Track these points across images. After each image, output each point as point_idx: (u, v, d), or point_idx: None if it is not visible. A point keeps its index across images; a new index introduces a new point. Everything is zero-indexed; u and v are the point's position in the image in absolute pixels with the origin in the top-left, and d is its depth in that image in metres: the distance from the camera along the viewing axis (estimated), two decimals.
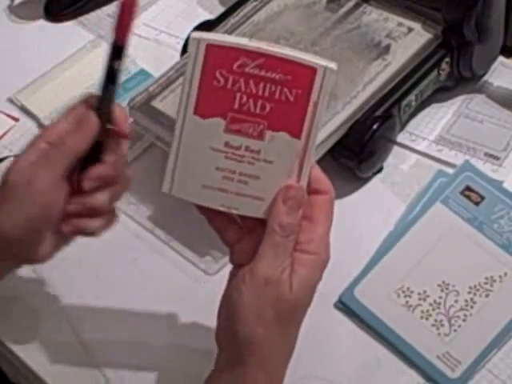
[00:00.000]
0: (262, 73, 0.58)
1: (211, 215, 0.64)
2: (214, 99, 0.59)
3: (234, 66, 0.58)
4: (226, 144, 0.60)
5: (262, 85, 0.58)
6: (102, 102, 0.62)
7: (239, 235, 0.64)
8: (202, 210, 0.63)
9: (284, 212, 0.60)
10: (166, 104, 0.82)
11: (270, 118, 0.59)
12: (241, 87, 0.59)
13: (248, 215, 0.62)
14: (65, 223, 0.63)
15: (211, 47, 0.58)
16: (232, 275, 0.64)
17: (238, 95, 0.59)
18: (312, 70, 0.58)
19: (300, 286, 0.60)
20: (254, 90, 0.59)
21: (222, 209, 0.62)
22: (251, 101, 0.59)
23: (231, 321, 0.60)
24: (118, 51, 0.60)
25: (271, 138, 0.60)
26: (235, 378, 0.61)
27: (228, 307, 0.61)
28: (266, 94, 0.59)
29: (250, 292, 0.59)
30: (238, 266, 0.63)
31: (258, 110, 0.59)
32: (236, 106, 0.59)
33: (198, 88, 0.59)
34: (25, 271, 0.81)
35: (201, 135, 0.60)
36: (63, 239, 0.66)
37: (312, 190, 0.62)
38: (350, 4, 0.90)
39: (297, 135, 0.59)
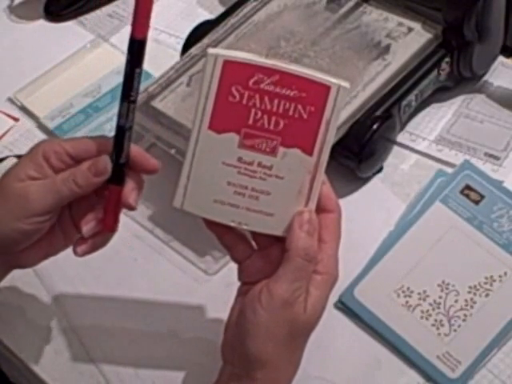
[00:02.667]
0: (277, 89, 0.59)
1: (221, 232, 0.64)
2: (229, 115, 0.60)
3: (250, 82, 0.59)
4: (239, 159, 0.60)
5: (276, 101, 0.59)
6: (118, 138, 0.62)
7: (249, 252, 0.64)
8: (211, 226, 0.63)
9: (303, 237, 0.60)
10: (166, 104, 0.82)
11: (284, 134, 0.60)
12: (256, 103, 0.59)
13: (258, 231, 0.63)
14: (79, 245, 0.65)
15: (228, 63, 0.59)
16: (241, 292, 0.64)
17: (253, 111, 0.59)
18: (326, 88, 0.59)
19: (313, 307, 0.61)
20: (268, 107, 0.59)
21: (232, 224, 0.62)
22: (265, 117, 0.59)
23: (242, 337, 0.61)
24: (138, 48, 0.60)
25: (284, 155, 0.60)
26: None
27: (240, 324, 0.62)
28: (280, 110, 0.59)
29: (266, 312, 0.60)
30: (246, 283, 0.64)
31: (271, 126, 0.60)
32: (250, 121, 0.60)
33: (214, 103, 0.60)
34: (24, 271, 0.81)
35: (214, 150, 0.60)
36: (52, 250, 0.67)
37: (320, 207, 0.62)
38: (350, 4, 0.90)
39: (309, 152, 0.60)
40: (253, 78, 0.59)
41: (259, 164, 0.60)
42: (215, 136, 0.60)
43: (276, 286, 0.60)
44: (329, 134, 0.60)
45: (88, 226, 0.64)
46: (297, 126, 0.60)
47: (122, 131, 0.62)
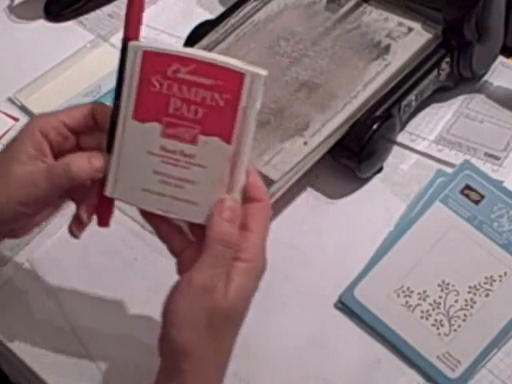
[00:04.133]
0: (194, 78, 0.60)
1: (156, 222, 0.65)
2: (151, 104, 0.61)
3: (169, 72, 0.60)
4: (163, 148, 0.61)
5: (194, 90, 0.60)
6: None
7: (184, 244, 0.65)
8: (147, 216, 0.64)
9: (222, 223, 0.60)
10: None
11: (203, 122, 0.60)
12: (175, 92, 0.60)
13: (183, 219, 0.63)
14: (77, 227, 0.66)
15: (147, 54, 0.60)
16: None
17: (173, 100, 0.60)
18: (240, 76, 0.59)
19: (235, 294, 0.60)
20: (187, 95, 0.60)
21: (159, 212, 0.63)
22: (185, 106, 0.60)
23: (167, 327, 0.61)
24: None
25: (204, 143, 0.61)
26: (170, 380, 0.61)
27: (164, 314, 0.61)
28: (199, 99, 0.60)
29: (186, 299, 0.60)
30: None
31: (191, 115, 0.60)
32: (171, 110, 0.61)
33: (136, 93, 0.61)
34: (25, 271, 0.81)
35: (139, 139, 0.62)
36: (42, 221, 0.69)
37: (248, 198, 0.62)
38: (350, 4, 0.90)
39: (228, 140, 0.60)
40: (171, 68, 0.60)
41: (182, 153, 0.61)
42: (139, 125, 0.61)
43: (194, 273, 0.60)
44: (247, 123, 0.60)
45: (88, 213, 0.66)
46: (215, 115, 0.60)
47: (114, 127, 0.63)
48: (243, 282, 0.60)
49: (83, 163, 0.63)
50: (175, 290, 0.61)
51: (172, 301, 0.61)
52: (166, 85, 0.60)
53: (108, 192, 0.63)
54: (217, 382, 0.62)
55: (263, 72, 0.59)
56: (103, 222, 0.66)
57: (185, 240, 0.65)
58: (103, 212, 0.66)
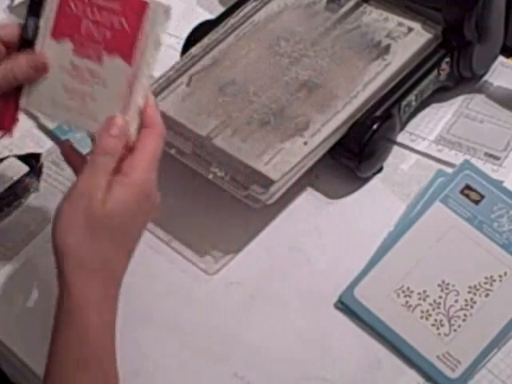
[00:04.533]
0: (105, 3, 0.67)
1: (65, 149, 0.71)
2: (67, 24, 0.68)
3: None
4: (73, 65, 0.68)
5: (104, 13, 0.67)
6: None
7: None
8: (59, 143, 0.71)
9: (105, 136, 0.65)
10: (166, 104, 0.83)
11: (109, 44, 0.67)
12: (87, 14, 0.67)
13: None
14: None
15: None
16: None
17: (85, 22, 0.68)
18: (144, 4, 0.66)
19: (113, 203, 0.63)
20: (98, 18, 0.67)
21: (65, 126, 0.70)
22: (95, 27, 0.67)
23: (52, 234, 0.64)
24: None
25: (108, 63, 0.67)
26: (62, 297, 0.64)
27: (52, 224, 0.64)
28: (107, 22, 0.67)
29: (66, 202, 0.64)
30: None
31: (99, 37, 0.67)
32: (83, 31, 0.68)
33: (56, 14, 0.68)
34: (25, 271, 0.81)
35: (55, 56, 0.69)
36: None
37: (142, 125, 0.66)
38: (350, 4, 0.90)
39: (129, 62, 0.66)
40: None
41: (88, 70, 0.68)
42: (55, 44, 0.69)
43: (77, 180, 0.65)
44: (148, 48, 0.66)
45: None
46: (120, 37, 0.66)
47: (31, 44, 0.69)
48: (123, 193, 0.63)
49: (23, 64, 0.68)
50: (62, 198, 0.64)
51: (57, 208, 0.64)
52: (80, 7, 0.67)
53: (22, 105, 0.70)
54: (99, 291, 0.64)
55: (166, 5, 0.66)
56: (4, 125, 0.72)
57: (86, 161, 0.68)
58: (5, 115, 0.71)
